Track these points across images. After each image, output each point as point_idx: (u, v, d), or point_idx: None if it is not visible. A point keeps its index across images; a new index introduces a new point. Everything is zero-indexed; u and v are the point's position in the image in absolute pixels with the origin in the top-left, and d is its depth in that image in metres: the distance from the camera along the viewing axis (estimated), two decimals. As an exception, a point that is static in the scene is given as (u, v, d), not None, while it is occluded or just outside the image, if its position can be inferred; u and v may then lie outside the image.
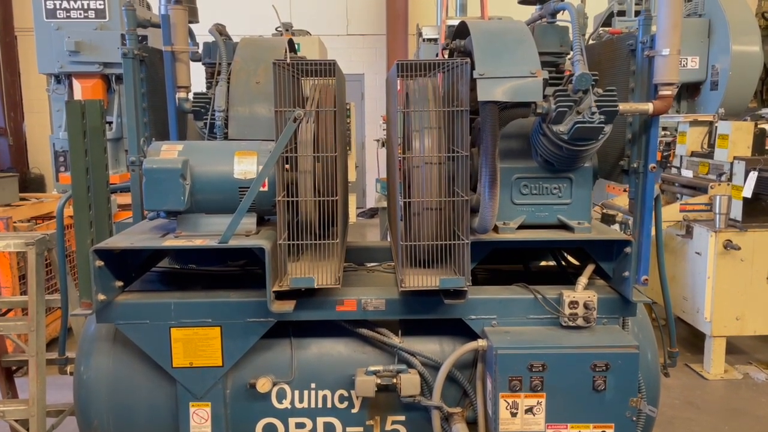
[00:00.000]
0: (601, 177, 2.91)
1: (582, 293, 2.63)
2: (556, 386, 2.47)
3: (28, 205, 5.98)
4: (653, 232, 2.67)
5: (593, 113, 2.39)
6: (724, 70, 6.84)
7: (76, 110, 2.61)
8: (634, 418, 2.49)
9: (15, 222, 5.40)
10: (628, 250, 2.61)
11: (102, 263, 2.52)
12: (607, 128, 2.45)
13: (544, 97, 2.46)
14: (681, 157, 6.16)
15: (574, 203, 2.70)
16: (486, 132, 2.42)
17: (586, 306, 2.60)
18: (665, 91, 2.49)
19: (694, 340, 5.72)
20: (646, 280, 2.62)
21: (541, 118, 2.52)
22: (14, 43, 11.70)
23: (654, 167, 2.58)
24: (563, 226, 2.71)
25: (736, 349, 5.78)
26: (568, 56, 2.81)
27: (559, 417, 2.49)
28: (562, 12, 2.78)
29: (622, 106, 2.47)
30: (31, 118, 12.17)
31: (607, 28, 6.78)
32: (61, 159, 6.35)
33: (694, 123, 6.07)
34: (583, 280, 2.69)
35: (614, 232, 2.82)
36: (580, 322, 2.62)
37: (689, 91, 7.41)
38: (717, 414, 4.70)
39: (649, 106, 2.51)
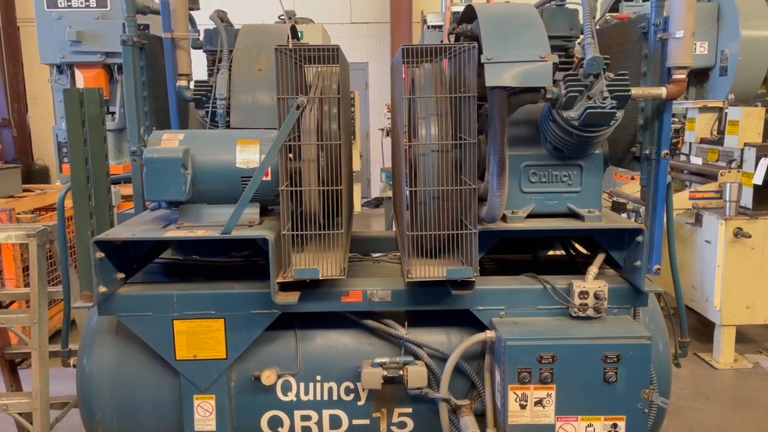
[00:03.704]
0: (611, 164, 2.85)
1: (592, 283, 2.58)
2: (567, 378, 2.42)
3: (31, 197, 5.96)
4: (665, 220, 2.62)
5: (605, 98, 2.33)
6: (734, 56, 6.73)
7: (74, 99, 2.56)
8: (646, 410, 2.45)
9: (18, 213, 5.38)
10: (639, 238, 2.56)
11: (103, 255, 2.48)
12: (619, 114, 2.39)
13: (554, 82, 2.40)
14: (690, 143, 6.08)
15: (584, 191, 2.65)
16: (494, 119, 2.36)
17: (596, 296, 2.55)
18: (679, 75, 2.43)
19: (703, 329, 5.67)
20: (659, 269, 2.57)
21: (551, 103, 2.46)
22: (17, 34, 11.65)
23: (667, 154, 2.53)
24: (573, 215, 2.65)
25: (745, 338, 5.73)
26: (578, 40, 2.74)
27: (569, 409, 2.45)
28: (571, -6, 2.72)
29: (635, 91, 2.40)
30: (34, 109, 12.13)
31: (614, 14, 6.69)
32: (65, 150, 6.29)
33: (704, 109, 5.98)
34: (593, 269, 2.64)
35: (625, 220, 2.77)
36: (590, 312, 2.57)
37: (698, 77, 7.30)
38: (727, 403, 4.65)
39: (663, 91, 2.45)
